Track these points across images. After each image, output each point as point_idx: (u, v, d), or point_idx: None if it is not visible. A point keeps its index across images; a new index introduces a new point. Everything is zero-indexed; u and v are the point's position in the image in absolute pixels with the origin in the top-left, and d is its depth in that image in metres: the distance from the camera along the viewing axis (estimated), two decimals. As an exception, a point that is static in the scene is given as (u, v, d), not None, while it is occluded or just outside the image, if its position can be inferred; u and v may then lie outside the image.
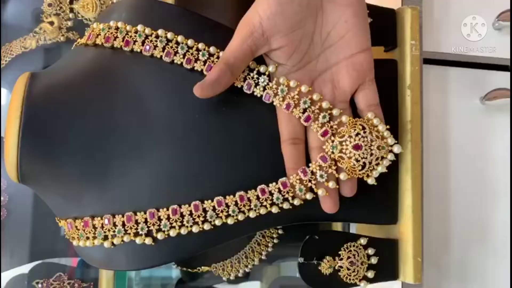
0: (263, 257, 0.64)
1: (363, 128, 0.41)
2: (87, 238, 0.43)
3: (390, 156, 0.42)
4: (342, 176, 0.41)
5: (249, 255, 0.64)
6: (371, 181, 0.42)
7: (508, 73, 0.60)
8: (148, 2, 0.46)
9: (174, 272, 0.68)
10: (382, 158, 0.41)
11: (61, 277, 0.62)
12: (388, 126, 0.42)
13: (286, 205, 0.42)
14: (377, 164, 0.41)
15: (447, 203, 0.57)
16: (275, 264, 0.68)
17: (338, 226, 0.61)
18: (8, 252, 0.61)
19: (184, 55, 0.42)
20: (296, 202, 0.42)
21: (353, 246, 0.45)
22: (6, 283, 0.62)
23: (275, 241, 0.64)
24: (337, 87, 0.42)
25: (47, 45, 0.62)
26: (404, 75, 0.48)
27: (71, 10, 0.62)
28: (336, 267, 0.44)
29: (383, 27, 0.49)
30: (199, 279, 0.67)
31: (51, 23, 0.61)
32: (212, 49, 0.42)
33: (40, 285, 0.61)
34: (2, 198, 0.61)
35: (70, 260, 0.63)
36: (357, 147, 0.40)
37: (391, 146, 0.42)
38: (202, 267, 0.65)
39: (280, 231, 0.63)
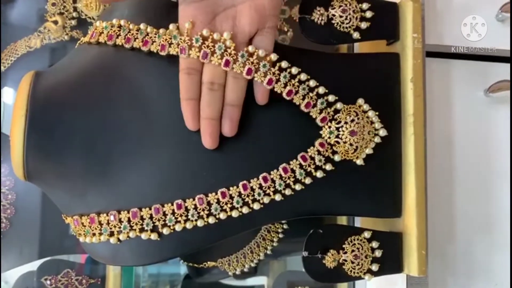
0: (268, 252, 0.64)
1: (356, 114, 0.44)
2: (93, 234, 0.43)
3: (377, 139, 0.45)
4: (336, 157, 0.44)
5: (255, 250, 0.64)
6: (359, 162, 0.44)
7: (512, 65, 0.60)
8: (151, 1, 0.46)
9: (182, 268, 0.68)
10: (370, 140, 0.44)
11: (69, 274, 0.62)
12: (377, 113, 0.45)
13: (288, 191, 0.43)
14: (366, 147, 0.44)
15: (451, 196, 0.57)
16: (282, 258, 0.68)
17: (343, 220, 0.61)
18: (18, 249, 0.62)
19: (178, 44, 0.42)
20: (298, 187, 0.43)
21: (357, 239, 0.45)
22: (15, 280, 0.62)
23: (280, 235, 0.64)
24: (237, 25, 0.42)
25: (51, 44, 0.62)
26: (406, 68, 0.48)
27: (75, 9, 0.62)
28: (340, 261, 0.44)
29: (385, 21, 0.49)
30: (206, 275, 0.67)
31: (55, 22, 0.62)
32: (205, 32, 0.42)
33: (48, 282, 0.62)
34: (10, 196, 0.61)
35: (78, 256, 0.64)
36: (353, 133, 0.43)
37: (377, 130, 0.45)
38: (208, 262, 0.65)
39: (285, 226, 0.63)
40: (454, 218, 0.57)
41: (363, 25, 0.47)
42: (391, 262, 0.46)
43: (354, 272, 0.44)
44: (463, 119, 0.58)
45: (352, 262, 0.44)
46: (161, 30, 0.42)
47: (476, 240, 0.57)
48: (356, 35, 0.47)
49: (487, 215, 0.58)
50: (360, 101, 0.44)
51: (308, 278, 0.45)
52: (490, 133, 0.59)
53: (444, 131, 0.58)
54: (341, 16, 0.46)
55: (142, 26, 0.43)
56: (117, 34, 0.44)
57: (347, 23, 0.46)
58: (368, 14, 0.47)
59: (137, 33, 0.43)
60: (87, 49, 0.46)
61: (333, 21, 0.46)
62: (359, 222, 0.58)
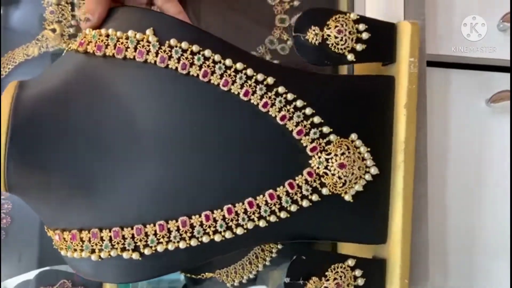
0: (267, 263, 0.63)
1: (348, 148, 0.43)
2: (75, 250, 0.43)
3: (368, 177, 0.44)
4: (324, 191, 0.43)
5: (253, 261, 0.64)
6: (348, 197, 0.44)
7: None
8: (139, 11, 0.45)
9: (183, 275, 0.69)
10: (360, 177, 0.44)
11: (65, 284, 0.62)
12: (369, 149, 0.44)
13: (273, 218, 0.42)
14: (355, 183, 0.44)
15: (451, 206, 0.56)
16: (281, 269, 0.67)
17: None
18: (16, 258, 0.61)
19: (178, 59, 0.42)
20: (283, 215, 0.42)
21: (341, 267, 0.44)
22: (12, 291, 0.63)
23: (279, 246, 0.63)
24: None
25: (49, 52, 0.62)
26: (401, 94, 0.46)
27: (73, 17, 0.62)
28: (322, 288, 0.44)
29: (381, 43, 0.47)
30: (204, 285, 0.67)
31: (53, 30, 0.62)
32: (207, 52, 0.42)
33: (44, 292, 0.62)
34: (6, 206, 0.61)
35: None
36: (342, 165, 0.43)
37: (369, 167, 0.44)
38: (206, 273, 0.65)
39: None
40: (450, 231, 0.56)
41: (359, 47, 0.45)
42: (373, 291, 0.45)
43: (335, 301, 0.44)
44: (464, 129, 0.58)
45: (334, 290, 0.44)
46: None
47: (473, 251, 0.57)
48: (350, 57, 0.45)
49: (484, 227, 0.57)
50: (353, 136, 0.44)
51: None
52: (492, 144, 0.58)
53: (445, 141, 0.57)
54: (336, 37, 0.45)
55: (130, 33, 0.42)
56: (106, 44, 0.43)
57: (342, 45, 0.45)
58: (365, 36, 0.46)
59: (127, 42, 0.42)
60: (74, 57, 0.45)
61: (328, 42, 0.45)
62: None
